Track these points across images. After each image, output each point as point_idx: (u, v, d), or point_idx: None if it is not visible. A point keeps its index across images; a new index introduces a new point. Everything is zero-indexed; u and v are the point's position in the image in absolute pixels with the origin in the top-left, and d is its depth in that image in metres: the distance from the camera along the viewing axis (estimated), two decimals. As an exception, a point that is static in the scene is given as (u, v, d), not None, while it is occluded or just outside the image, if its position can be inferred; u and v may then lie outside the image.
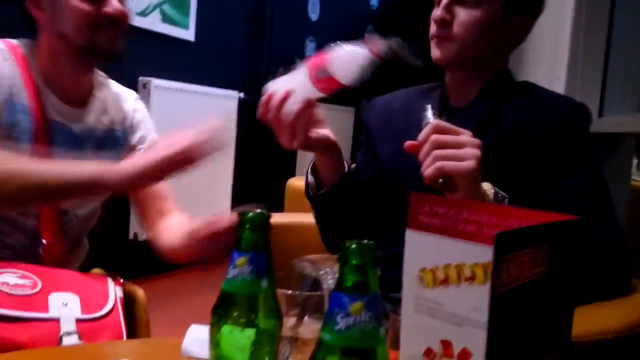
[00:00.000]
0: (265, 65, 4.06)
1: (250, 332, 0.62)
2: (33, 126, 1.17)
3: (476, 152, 0.92)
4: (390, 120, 1.27)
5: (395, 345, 0.58)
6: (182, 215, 1.31)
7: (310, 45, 4.56)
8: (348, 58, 0.94)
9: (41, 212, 1.21)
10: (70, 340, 1.06)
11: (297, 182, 2.31)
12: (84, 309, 1.10)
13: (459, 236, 0.51)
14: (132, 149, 1.34)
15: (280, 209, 2.28)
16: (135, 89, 3.15)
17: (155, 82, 3.10)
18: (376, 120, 1.32)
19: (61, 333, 1.05)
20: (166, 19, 3.34)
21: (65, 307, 1.08)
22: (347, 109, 4.93)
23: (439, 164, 0.91)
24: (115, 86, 1.36)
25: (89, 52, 1.18)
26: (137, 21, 3.14)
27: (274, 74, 1.05)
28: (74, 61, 1.20)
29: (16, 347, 1.01)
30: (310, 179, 1.19)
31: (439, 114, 1.20)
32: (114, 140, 1.32)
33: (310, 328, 0.73)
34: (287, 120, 1.01)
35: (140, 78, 3.14)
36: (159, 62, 3.31)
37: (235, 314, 0.61)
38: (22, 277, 1.08)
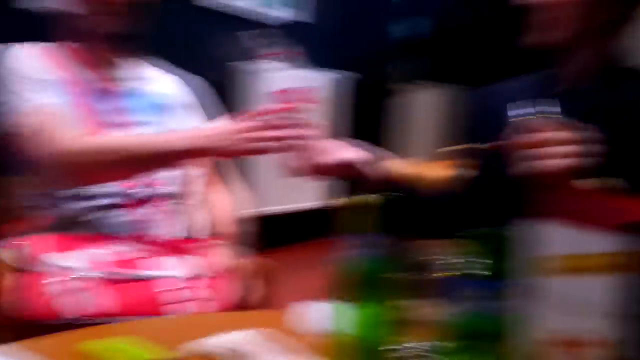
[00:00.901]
0: (380, 47, 4.05)
1: (369, 311, 0.64)
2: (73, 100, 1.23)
3: (569, 149, 0.89)
4: (496, 109, 1.24)
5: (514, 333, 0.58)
6: (223, 194, 1.39)
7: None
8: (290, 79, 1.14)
9: None
10: (181, 296, 1.12)
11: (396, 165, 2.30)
12: (188, 269, 1.16)
13: (593, 225, 0.50)
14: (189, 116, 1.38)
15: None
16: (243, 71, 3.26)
17: (265, 65, 3.17)
18: (482, 110, 1.30)
19: (170, 289, 1.12)
20: (282, 1, 3.41)
21: (170, 269, 1.15)
22: (442, 90, 4.79)
23: (528, 164, 0.89)
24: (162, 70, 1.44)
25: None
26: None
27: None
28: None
29: (125, 307, 1.07)
30: None
31: (545, 100, 1.16)
32: (168, 108, 1.36)
33: (426, 311, 0.74)
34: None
35: (250, 61, 3.22)
36: (271, 45, 3.39)
37: (356, 292, 0.64)
38: (122, 244, 1.15)
